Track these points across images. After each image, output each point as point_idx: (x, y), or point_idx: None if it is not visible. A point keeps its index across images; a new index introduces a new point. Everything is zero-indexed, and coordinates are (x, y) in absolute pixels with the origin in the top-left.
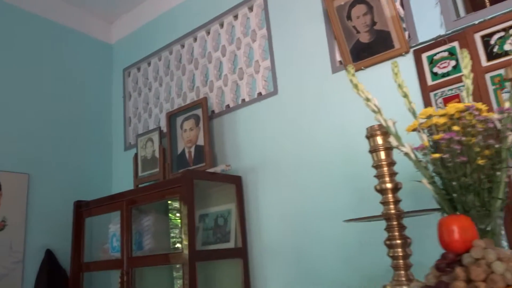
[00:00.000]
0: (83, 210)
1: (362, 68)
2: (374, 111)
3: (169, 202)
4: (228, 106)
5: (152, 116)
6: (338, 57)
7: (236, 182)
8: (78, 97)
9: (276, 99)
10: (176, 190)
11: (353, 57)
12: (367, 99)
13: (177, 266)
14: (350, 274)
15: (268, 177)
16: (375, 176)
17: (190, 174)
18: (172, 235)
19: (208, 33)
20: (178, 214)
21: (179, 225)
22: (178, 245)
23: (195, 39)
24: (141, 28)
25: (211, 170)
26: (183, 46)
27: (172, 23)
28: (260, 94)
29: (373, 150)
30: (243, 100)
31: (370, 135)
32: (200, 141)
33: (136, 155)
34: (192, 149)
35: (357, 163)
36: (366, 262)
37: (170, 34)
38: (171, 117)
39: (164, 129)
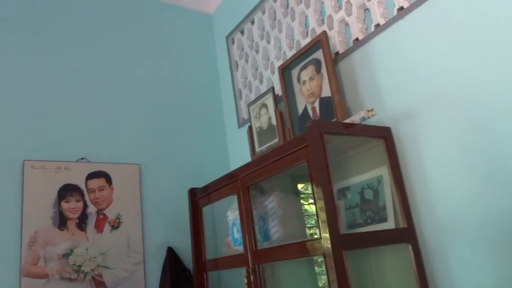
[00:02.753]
0: (198, 199)
1: None
2: None
3: (300, 185)
4: (356, 40)
5: (264, 81)
6: None
7: (384, 135)
8: (183, 78)
9: (430, 7)
10: (302, 154)
11: None
12: None
13: (319, 260)
14: None
15: (434, 122)
16: None
17: (318, 126)
18: (308, 225)
19: None
20: (311, 200)
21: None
22: (316, 234)
23: None
24: None
25: (348, 120)
26: None
27: None
28: (401, 8)
29: None
30: (377, 25)
31: None
32: (326, 92)
33: (250, 127)
34: (316, 104)
35: None
36: None
37: None
38: (284, 70)
39: (279, 91)
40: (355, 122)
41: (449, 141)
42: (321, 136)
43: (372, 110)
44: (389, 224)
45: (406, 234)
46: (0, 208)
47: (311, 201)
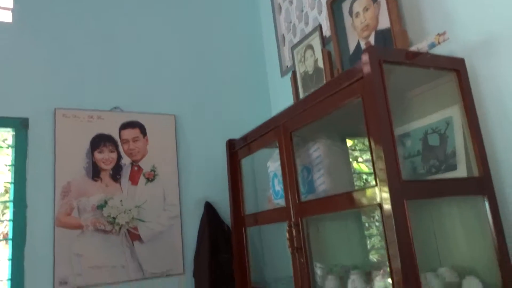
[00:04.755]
0: (237, 150)
1: None
2: None
3: (350, 141)
4: None
5: (310, 23)
6: None
7: (457, 67)
8: (222, 25)
9: None
10: (355, 89)
11: None
12: None
13: (372, 214)
14: None
15: None
16: None
17: (376, 53)
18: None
19: None
20: (361, 158)
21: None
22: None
23: None
24: None
25: (413, 49)
26: None
27: None
28: None
29: None
30: None
31: None
32: (383, 23)
33: (293, 73)
34: (371, 38)
35: None
36: None
37: None
38: (333, 4)
39: (327, 33)
40: (422, 51)
41: None
42: (379, 66)
43: (444, 33)
44: (460, 173)
45: (482, 184)
46: (33, 157)
47: (361, 158)
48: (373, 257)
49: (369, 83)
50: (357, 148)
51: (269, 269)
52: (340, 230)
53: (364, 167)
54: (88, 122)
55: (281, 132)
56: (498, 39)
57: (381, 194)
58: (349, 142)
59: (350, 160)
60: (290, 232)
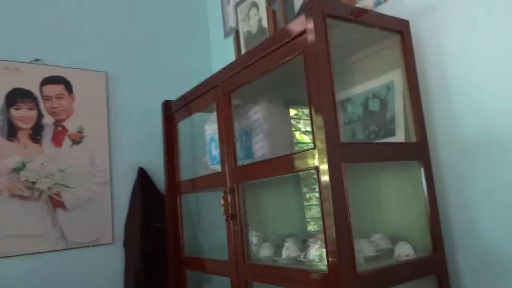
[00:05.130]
0: (173, 112)
1: None
2: None
3: (296, 112)
4: None
5: None
6: None
7: (401, 29)
8: None
9: None
10: (296, 44)
11: None
12: None
13: (308, 187)
14: None
15: (466, 16)
16: None
17: (320, 6)
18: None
19: None
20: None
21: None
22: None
23: None
24: None
25: (359, 5)
26: None
27: None
28: None
29: None
30: None
31: None
32: None
33: (236, 32)
34: None
35: None
36: None
37: None
38: None
39: None
40: (365, 8)
41: (483, 41)
42: (323, 19)
43: None
44: (398, 138)
45: (418, 150)
46: None
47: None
48: (311, 226)
49: (311, 38)
50: (300, 118)
51: (205, 238)
52: (279, 199)
53: (307, 139)
54: (3, 74)
55: (219, 92)
56: (444, 3)
57: (319, 157)
58: (293, 112)
59: (293, 129)
60: (225, 198)
